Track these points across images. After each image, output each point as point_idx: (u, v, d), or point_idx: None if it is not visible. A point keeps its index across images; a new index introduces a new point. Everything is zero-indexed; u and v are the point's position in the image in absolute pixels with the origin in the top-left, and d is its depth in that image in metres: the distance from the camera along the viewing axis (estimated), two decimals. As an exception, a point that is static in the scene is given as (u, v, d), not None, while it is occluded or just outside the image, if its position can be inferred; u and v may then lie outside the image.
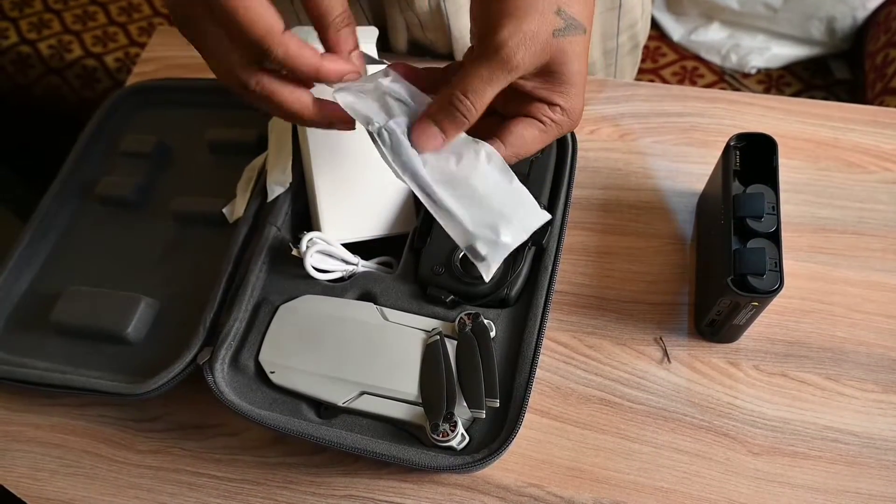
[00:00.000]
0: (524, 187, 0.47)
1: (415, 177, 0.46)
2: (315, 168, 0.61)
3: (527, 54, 0.42)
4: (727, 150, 0.58)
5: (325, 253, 0.59)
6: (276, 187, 0.62)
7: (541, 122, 0.47)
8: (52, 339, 0.62)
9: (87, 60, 1.50)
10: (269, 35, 0.42)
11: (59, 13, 1.57)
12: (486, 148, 0.46)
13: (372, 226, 0.63)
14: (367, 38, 0.59)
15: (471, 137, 0.47)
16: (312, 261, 0.58)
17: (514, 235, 0.47)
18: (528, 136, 0.47)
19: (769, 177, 0.56)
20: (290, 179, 0.63)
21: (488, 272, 0.47)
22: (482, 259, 0.46)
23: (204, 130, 0.72)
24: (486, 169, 0.46)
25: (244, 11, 0.41)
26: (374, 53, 0.60)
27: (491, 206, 0.46)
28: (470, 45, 0.49)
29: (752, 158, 0.57)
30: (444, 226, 0.47)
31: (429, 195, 0.46)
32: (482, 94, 0.44)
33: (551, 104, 0.46)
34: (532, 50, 0.42)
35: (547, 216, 0.48)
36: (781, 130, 0.69)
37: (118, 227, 0.69)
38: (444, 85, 0.46)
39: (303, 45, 0.43)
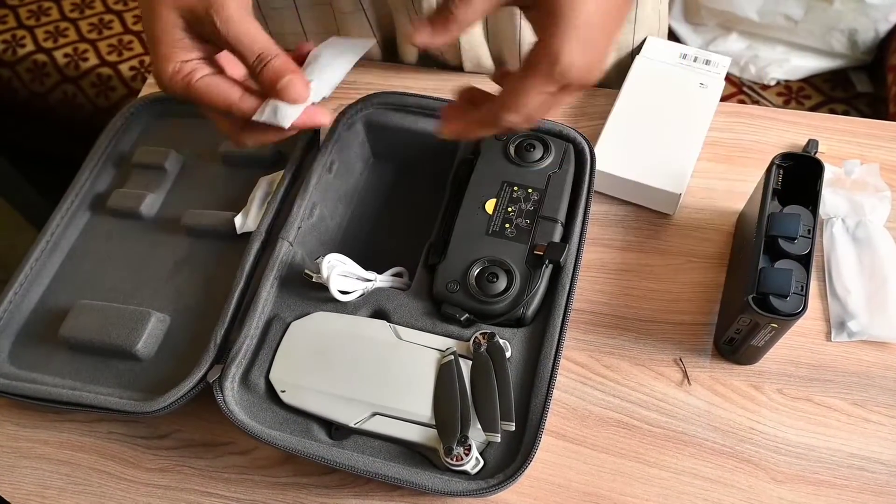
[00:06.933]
0: None
1: None
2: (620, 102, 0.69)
3: None
4: (770, 168, 0.56)
5: (342, 274, 0.57)
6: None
7: (538, 74, 0.42)
8: (62, 354, 0.62)
9: (102, 69, 1.50)
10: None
11: (75, 22, 1.57)
12: None
13: (640, 173, 0.65)
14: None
15: None
16: (337, 284, 0.57)
17: None
18: (532, 98, 0.42)
19: (810, 199, 0.54)
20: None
21: None
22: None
23: (218, 143, 0.71)
24: None
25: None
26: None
27: None
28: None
29: (795, 179, 0.56)
30: None
31: None
32: None
33: (547, 49, 0.41)
34: None
35: None
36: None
37: (129, 241, 0.68)
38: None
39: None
